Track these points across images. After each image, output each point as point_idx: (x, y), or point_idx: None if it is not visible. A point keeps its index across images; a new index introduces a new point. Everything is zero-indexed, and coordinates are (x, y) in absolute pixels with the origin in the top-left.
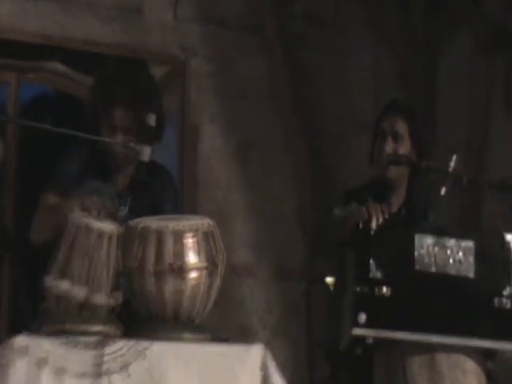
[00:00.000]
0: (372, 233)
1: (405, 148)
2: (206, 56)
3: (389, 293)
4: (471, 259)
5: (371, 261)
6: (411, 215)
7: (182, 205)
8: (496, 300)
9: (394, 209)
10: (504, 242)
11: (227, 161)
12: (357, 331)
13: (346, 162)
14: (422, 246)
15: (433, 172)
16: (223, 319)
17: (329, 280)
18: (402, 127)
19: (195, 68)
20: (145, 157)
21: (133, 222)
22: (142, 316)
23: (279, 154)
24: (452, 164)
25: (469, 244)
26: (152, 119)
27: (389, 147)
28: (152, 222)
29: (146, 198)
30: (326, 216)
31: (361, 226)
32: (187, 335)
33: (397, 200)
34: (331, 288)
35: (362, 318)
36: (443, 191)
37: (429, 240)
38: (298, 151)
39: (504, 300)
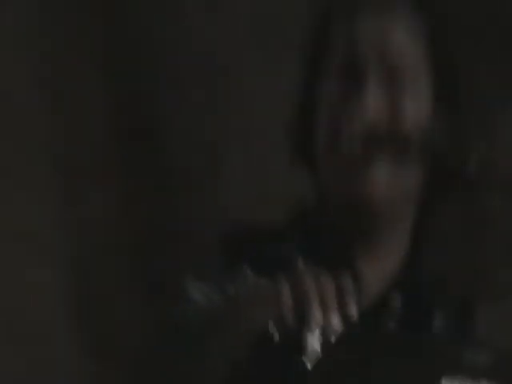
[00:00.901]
0: (309, 362)
1: (416, 111)
2: None
3: None
4: None
5: None
6: (418, 312)
7: None
8: None
9: (374, 289)
10: None
11: None
12: None
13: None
14: None
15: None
16: None
17: None
18: (404, 49)
19: None
20: None
21: None
22: None
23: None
24: None
25: None
26: None
27: (369, 108)
28: None
29: None
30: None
31: (276, 339)
32: None
33: (381, 263)
34: None
35: None
36: None
37: None
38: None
39: None
